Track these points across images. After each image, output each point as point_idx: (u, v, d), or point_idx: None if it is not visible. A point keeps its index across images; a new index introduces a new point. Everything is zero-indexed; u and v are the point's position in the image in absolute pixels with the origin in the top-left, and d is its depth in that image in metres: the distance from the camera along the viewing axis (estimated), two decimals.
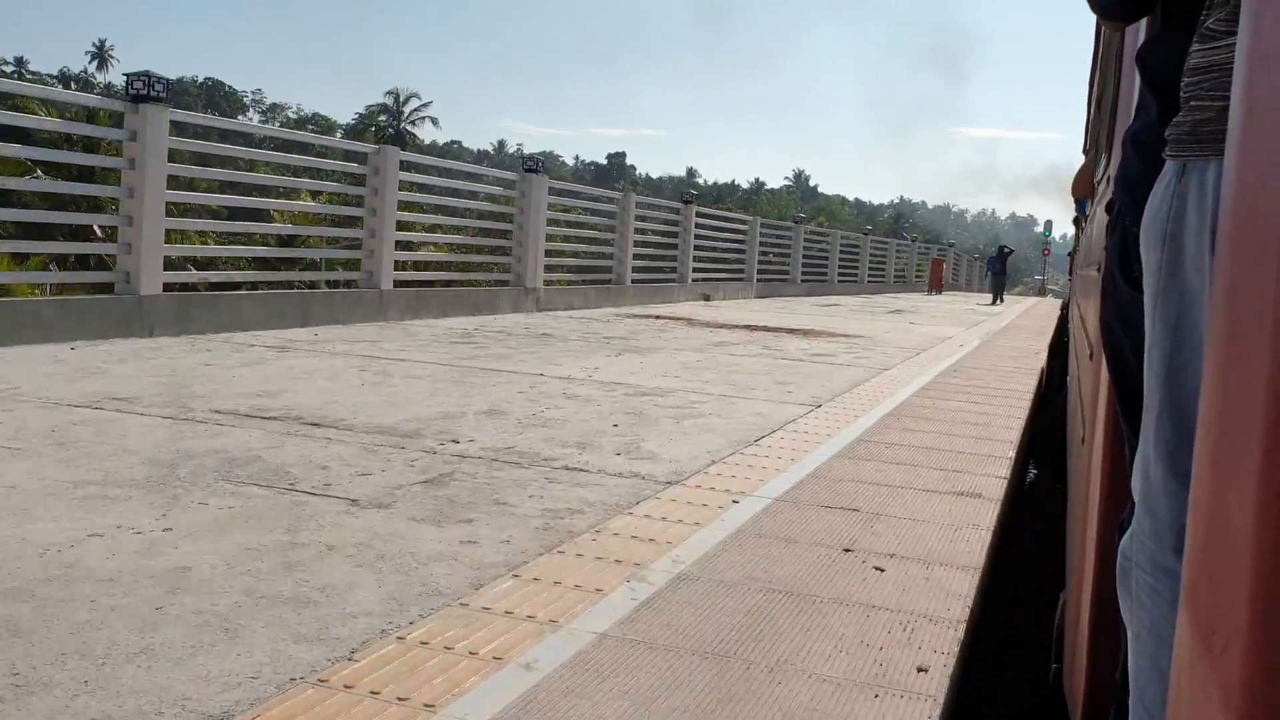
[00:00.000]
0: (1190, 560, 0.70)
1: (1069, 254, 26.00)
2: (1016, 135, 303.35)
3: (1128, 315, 1.26)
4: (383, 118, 60.97)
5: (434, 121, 62.19)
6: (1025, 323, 15.67)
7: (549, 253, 11.45)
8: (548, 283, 11.39)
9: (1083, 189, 4.73)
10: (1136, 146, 1.29)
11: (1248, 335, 0.59)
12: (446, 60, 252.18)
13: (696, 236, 15.65)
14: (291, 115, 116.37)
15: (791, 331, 10.40)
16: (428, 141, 63.28)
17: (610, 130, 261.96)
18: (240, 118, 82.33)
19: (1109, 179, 2.25)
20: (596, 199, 14.15)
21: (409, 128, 61.14)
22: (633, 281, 13.35)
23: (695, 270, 15.65)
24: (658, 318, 11.21)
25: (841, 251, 24.34)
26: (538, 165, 10.76)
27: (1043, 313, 20.69)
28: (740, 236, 18.46)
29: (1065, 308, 19.04)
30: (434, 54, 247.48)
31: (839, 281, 23.74)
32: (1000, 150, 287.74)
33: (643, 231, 14.19)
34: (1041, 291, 45.05)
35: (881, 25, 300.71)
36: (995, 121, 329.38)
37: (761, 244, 19.48)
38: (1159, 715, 1.05)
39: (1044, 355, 9.85)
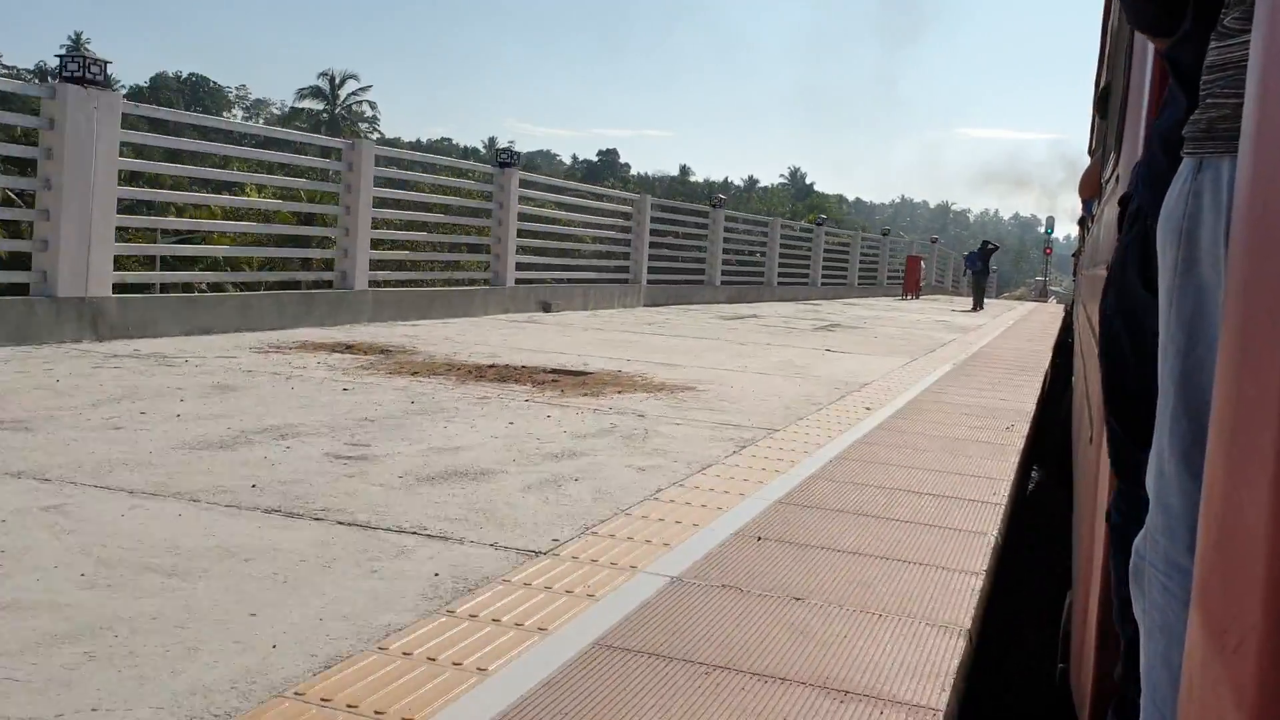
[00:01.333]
0: (1202, 558, 0.70)
1: (1073, 254, 23.76)
2: (1023, 136, 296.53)
3: (1132, 310, 1.31)
4: (315, 101, 55.46)
5: (372, 105, 56.67)
6: (1009, 346, 10.68)
7: (127, 234, 6.40)
8: (127, 290, 6.35)
9: (1090, 189, 4.39)
10: (1164, 144, 1.28)
11: (1260, 333, 0.59)
12: (446, 59, 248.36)
13: (528, 219, 10.68)
14: (276, 111, 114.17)
15: (564, 378, 5.53)
16: (370, 132, 57.78)
17: (615, 131, 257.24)
18: (224, 114, 79.02)
19: (1117, 178, 2.34)
20: (303, 146, 9.13)
21: (345, 113, 55.69)
22: (372, 284, 8.31)
23: (523, 269, 10.67)
24: (347, 350, 6.31)
25: (787, 246, 19.30)
26: (84, 69, 5.71)
27: (1038, 326, 15.61)
28: (621, 222, 13.49)
29: (1071, 314, 14.98)
30: (433, 52, 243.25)
31: (782, 284, 18.67)
32: (1003, 150, 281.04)
33: (400, 205, 9.19)
34: (1043, 294, 39.61)
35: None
36: (1000, 123, 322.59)
37: (660, 234, 14.51)
38: (1170, 713, 1.04)
39: (1027, 426, 5.03)
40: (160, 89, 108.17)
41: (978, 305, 19.92)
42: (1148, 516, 1.14)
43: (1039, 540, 5.86)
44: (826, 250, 20.96)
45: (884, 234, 27.14)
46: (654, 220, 13.94)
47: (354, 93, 55.10)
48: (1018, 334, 13.30)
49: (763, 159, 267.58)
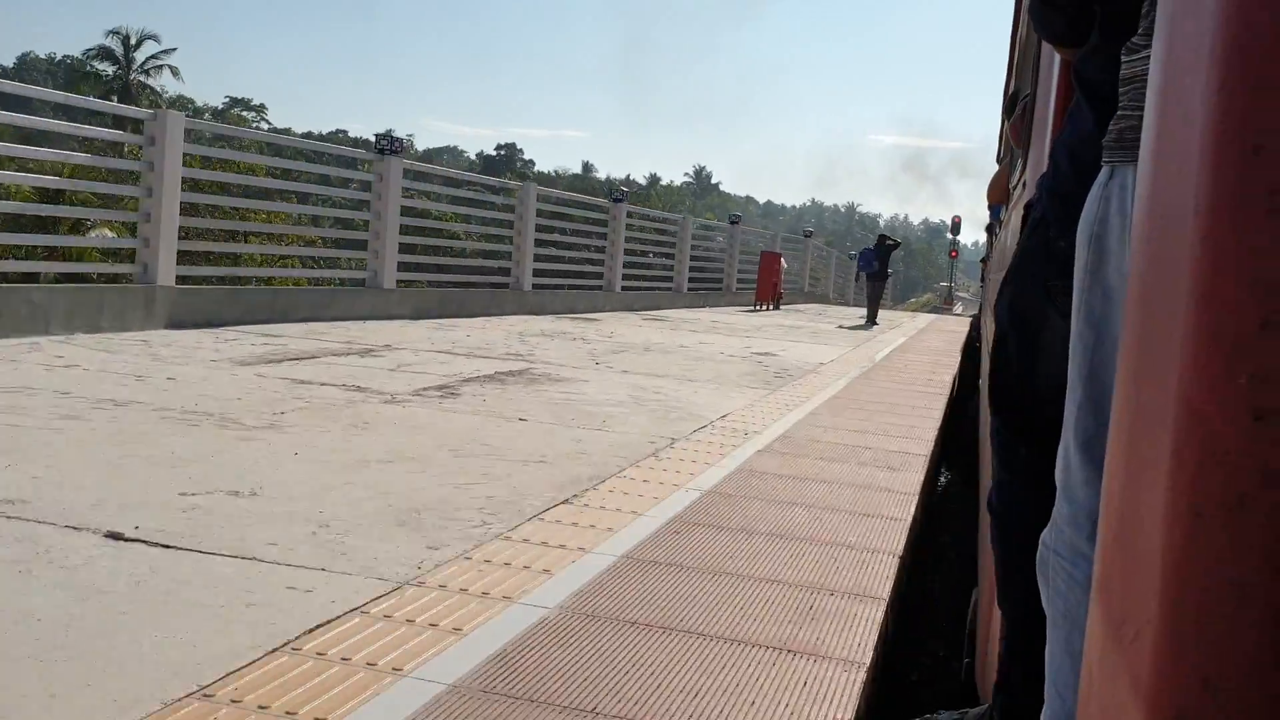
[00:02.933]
0: (1102, 552, 0.73)
1: (981, 260, 21.77)
2: (932, 143, 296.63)
3: (1024, 314, 1.40)
4: (106, 64, 46.43)
5: (173, 71, 48.07)
6: (835, 439, 4.51)
7: None
8: None
9: (998, 195, 4.48)
10: (1069, 157, 1.35)
11: (1158, 335, 0.62)
12: (373, 59, 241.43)
13: None
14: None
15: None
16: (171, 94, 49.18)
17: (533, 131, 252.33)
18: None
19: (1024, 184, 2.41)
20: None
21: (141, 78, 47.00)
22: None
23: None
24: None
25: (556, 230, 12.84)
26: None
27: (926, 360, 9.66)
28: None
29: (977, 326, 12.46)
30: (361, 53, 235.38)
31: (544, 289, 12.25)
32: (921, 157, 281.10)
33: None
34: (947, 300, 34.40)
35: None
36: (913, 130, 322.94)
37: (201, 189, 7.99)
38: (1071, 699, 1.08)
39: None
40: (27, 70, 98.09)
41: (872, 318, 15.76)
42: (1054, 507, 1.16)
43: None
44: (634, 241, 14.70)
45: (733, 222, 19.80)
46: (198, 163, 7.28)
47: (152, 56, 46.45)
48: (883, 382, 7.31)
49: (673, 160, 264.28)
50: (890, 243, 16.99)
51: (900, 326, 15.36)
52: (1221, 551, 0.55)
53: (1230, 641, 0.55)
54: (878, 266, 16.10)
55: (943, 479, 6.32)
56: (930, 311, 31.66)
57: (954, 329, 15.95)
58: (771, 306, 17.22)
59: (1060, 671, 1.13)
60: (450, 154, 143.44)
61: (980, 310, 15.17)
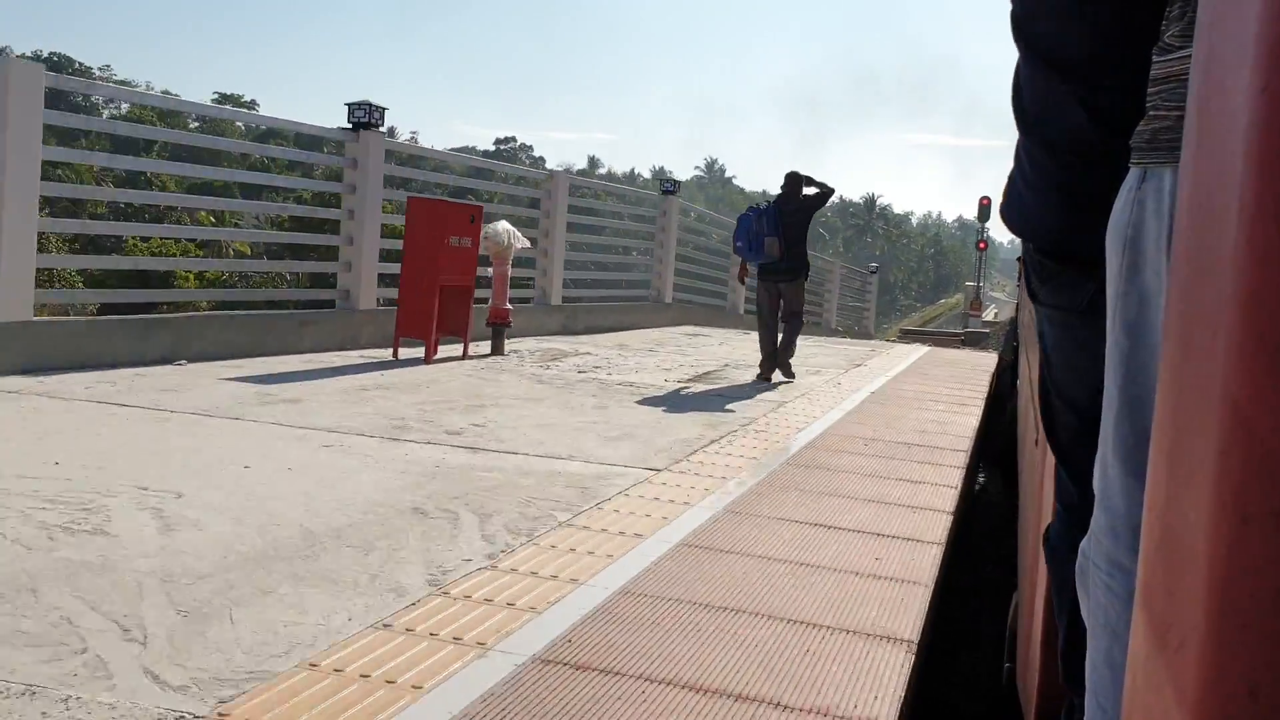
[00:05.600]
0: (1146, 559, 0.75)
1: (1018, 259, 17.72)
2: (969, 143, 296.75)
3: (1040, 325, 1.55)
4: None
5: None
6: None
7: None
8: None
9: None
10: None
11: (1202, 339, 0.64)
12: (404, 64, 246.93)
13: None
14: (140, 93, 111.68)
15: None
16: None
17: (562, 134, 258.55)
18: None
19: None
20: None
21: None
22: None
23: None
24: None
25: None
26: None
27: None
28: None
29: (1000, 376, 10.28)
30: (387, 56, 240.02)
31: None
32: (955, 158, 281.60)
33: None
34: (975, 303, 30.92)
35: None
36: (946, 129, 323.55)
37: None
38: (1112, 710, 1.13)
39: None
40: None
41: (778, 366, 7.84)
42: (1092, 517, 1.21)
43: None
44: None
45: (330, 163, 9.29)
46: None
47: None
48: None
49: (684, 157, 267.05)
50: (812, 193, 7.98)
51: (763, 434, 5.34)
52: (1269, 557, 0.56)
53: (1278, 648, 0.56)
54: (775, 252, 7.61)
55: None
56: (940, 330, 27.71)
57: (960, 414, 6.60)
58: (464, 351, 7.78)
59: (1100, 682, 1.16)
60: (466, 155, 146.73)
61: (1019, 302, 13.30)
